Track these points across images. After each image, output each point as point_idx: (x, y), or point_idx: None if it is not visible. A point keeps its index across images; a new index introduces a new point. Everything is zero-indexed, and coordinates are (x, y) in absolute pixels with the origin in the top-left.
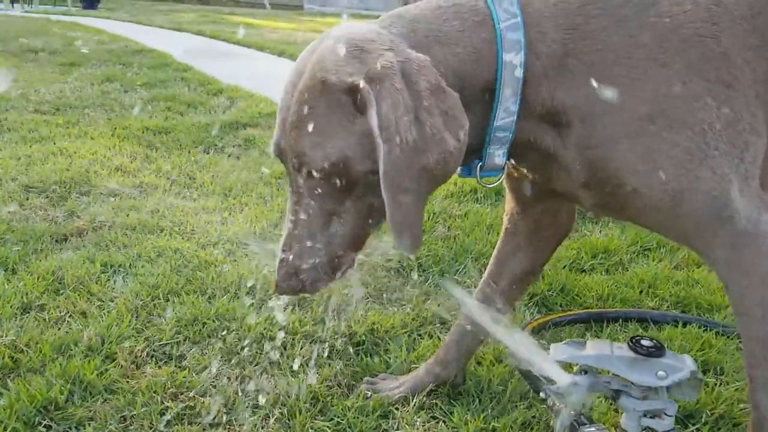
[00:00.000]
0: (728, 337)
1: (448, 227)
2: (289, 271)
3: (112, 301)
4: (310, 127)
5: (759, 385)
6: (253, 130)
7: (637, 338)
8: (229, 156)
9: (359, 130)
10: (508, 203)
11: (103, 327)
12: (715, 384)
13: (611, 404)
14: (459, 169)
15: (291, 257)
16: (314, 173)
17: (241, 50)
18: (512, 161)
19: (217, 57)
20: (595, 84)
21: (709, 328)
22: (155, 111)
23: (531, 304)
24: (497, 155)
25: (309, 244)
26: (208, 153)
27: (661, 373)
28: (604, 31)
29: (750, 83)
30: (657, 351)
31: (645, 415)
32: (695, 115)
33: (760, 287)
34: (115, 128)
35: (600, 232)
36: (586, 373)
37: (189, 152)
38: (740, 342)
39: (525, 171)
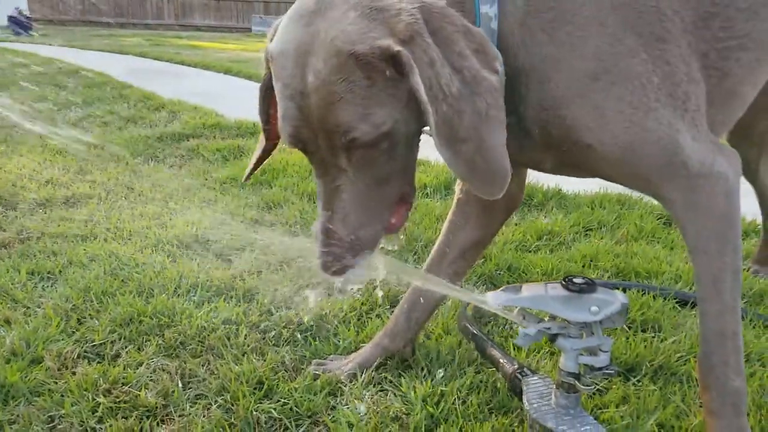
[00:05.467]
0: (664, 298)
1: None
2: (338, 252)
3: (39, 307)
4: (354, 101)
5: (710, 318)
6: (197, 140)
7: (570, 277)
8: (170, 166)
9: (405, 93)
10: None
11: (28, 331)
12: (653, 338)
13: (556, 362)
14: None
15: (339, 236)
16: (364, 145)
17: (186, 69)
18: None
19: (160, 76)
20: (548, 44)
21: (647, 292)
22: (91, 127)
23: (479, 282)
24: None
25: (361, 217)
26: (147, 164)
27: (594, 308)
28: None
29: (681, 33)
30: (589, 287)
31: (582, 354)
32: (634, 69)
33: (715, 225)
34: (46, 144)
35: (545, 217)
36: (524, 317)
37: (127, 164)
38: (676, 302)
39: None
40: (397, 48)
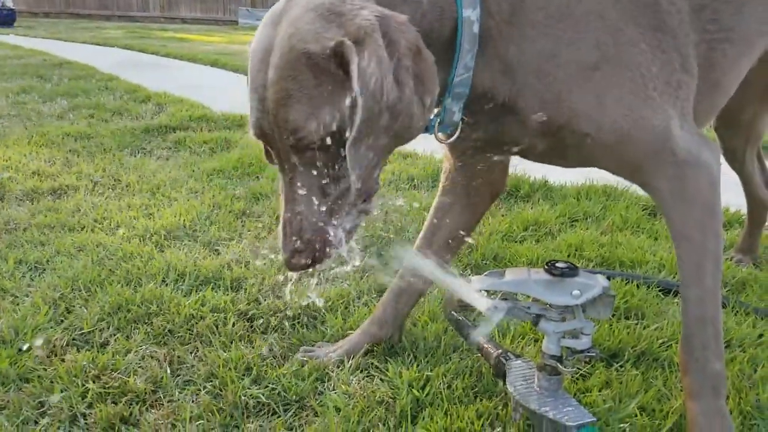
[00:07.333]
0: (648, 287)
1: (386, 212)
2: (298, 246)
3: (27, 296)
4: (302, 100)
5: (691, 303)
6: (183, 132)
7: (552, 262)
8: (157, 158)
9: (351, 93)
10: (446, 161)
11: (17, 320)
12: (636, 325)
13: (540, 348)
14: None
15: (297, 232)
16: (311, 144)
17: (172, 62)
18: (466, 118)
19: (145, 68)
20: (542, 40)
21: (631, 281)
22: (77, 118)
23: (466, 271)
24: (455, 111)
25: (314, 215)
26: (134, 156)
27: (575, 292)
28: None
29: (677, 24)
30: (571, 272)
31: (564, 336)
32: (634, 59)
33: (699, 213)
34: (32, 136)
35: (531, 208)
36: (507, 300)
37: (114, 155)
38: (659, 290)
39: (477, 126)
40: (344, 39)
